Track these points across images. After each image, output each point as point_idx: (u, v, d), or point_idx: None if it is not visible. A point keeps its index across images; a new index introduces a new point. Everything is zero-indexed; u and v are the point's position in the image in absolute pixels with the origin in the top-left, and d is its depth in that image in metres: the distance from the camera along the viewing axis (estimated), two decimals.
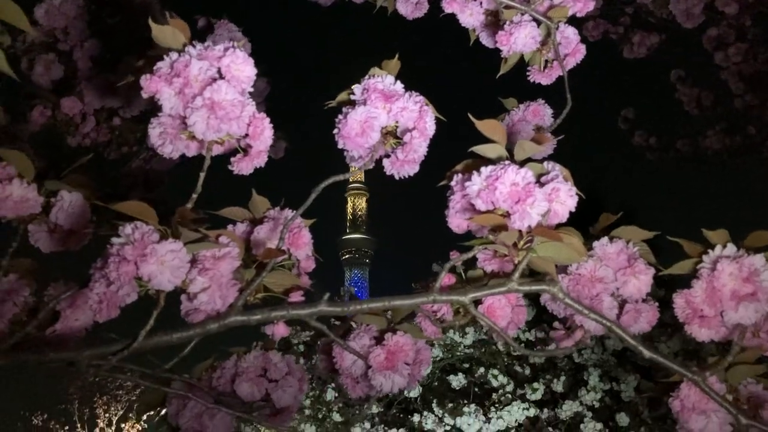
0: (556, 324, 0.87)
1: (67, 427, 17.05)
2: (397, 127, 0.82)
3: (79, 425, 17.15)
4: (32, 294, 0.81)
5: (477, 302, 0.75)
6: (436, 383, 5.35)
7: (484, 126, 0.78)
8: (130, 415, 18.44)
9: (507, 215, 0.72)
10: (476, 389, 5.10)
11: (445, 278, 0.76)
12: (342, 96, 0.84)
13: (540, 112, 1.11)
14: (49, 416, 17.24)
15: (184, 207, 0.69)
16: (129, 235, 0.64)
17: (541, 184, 0.73)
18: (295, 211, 0.82)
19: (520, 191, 0.72)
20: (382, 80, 0.78)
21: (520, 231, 0.73)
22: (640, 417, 4.95)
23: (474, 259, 0.80)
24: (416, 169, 0.82)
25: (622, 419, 4.61)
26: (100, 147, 1.63)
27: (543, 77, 1.10)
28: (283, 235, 0.78)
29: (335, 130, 0.81)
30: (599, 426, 4.49)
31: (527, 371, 5.41)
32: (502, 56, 1.06)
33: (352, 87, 0.83)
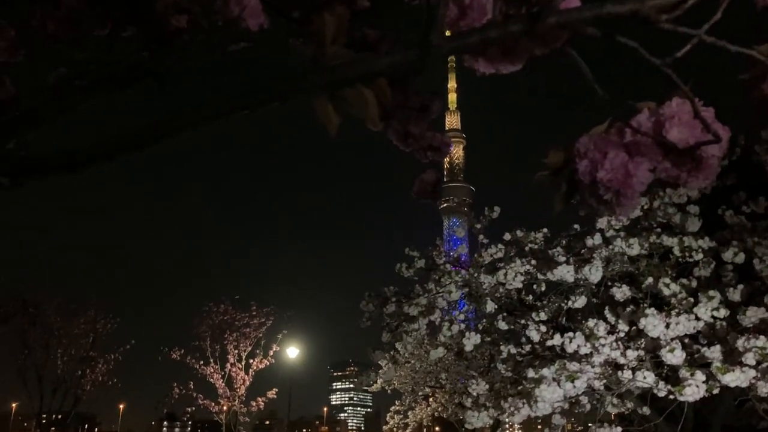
0: None
1: (201, 362, 18.32)
2: None
3: (212, 360, 18.38)
4: None
5: None
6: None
7: None
8: (257, 351, 19.52)
9: None
10: (644, 299, 4.95)
11: None
12: None
13: None
14: (186, 352, 18.59)
15: None
16: None
17: None
18: None
19: None
20: None
21: None
22: None
23: None
24: None
25: None
26: None
27: None
28: None
29: None
30: None
31: (693, 283, 5.19)
32: None
33: None
